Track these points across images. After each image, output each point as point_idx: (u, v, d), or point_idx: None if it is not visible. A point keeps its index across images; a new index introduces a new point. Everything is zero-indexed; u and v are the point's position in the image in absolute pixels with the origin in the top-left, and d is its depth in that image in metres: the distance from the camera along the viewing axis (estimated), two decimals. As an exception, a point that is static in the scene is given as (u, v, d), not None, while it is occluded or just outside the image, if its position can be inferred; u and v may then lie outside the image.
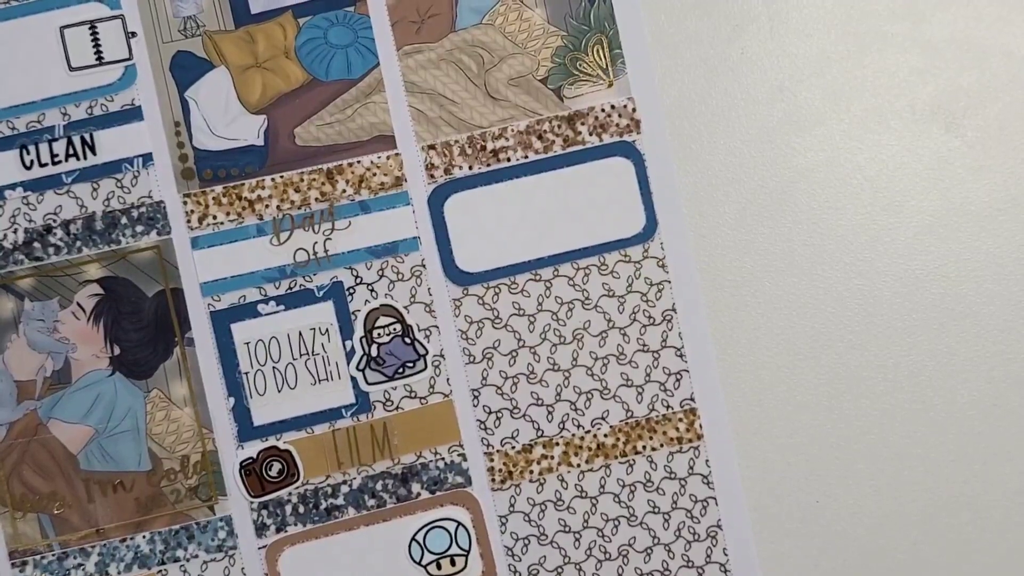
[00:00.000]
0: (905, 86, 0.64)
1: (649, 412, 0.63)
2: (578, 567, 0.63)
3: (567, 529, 0.63)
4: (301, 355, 0.62)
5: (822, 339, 0.64)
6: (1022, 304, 0.64)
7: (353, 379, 0.63)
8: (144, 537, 0.62)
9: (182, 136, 0.63)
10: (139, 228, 0.62)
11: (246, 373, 0.62)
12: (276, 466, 0.62)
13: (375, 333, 0.63)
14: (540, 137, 0.63)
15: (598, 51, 0.64)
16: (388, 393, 0.63)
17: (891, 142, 0.64)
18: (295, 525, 0.63)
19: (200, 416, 0.62)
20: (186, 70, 0.63)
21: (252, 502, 0.62)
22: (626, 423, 0.63)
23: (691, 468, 0.63)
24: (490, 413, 0.63)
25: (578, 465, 0.63)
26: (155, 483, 0.62)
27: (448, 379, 0.63)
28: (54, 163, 0.62)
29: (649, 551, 0.63)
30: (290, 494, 0.63)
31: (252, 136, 0.63)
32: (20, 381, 0.62)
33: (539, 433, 0.63)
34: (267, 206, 0.62)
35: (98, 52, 0.62)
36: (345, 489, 0.63)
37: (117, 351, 0.62)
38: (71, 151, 0.62)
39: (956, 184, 0.64)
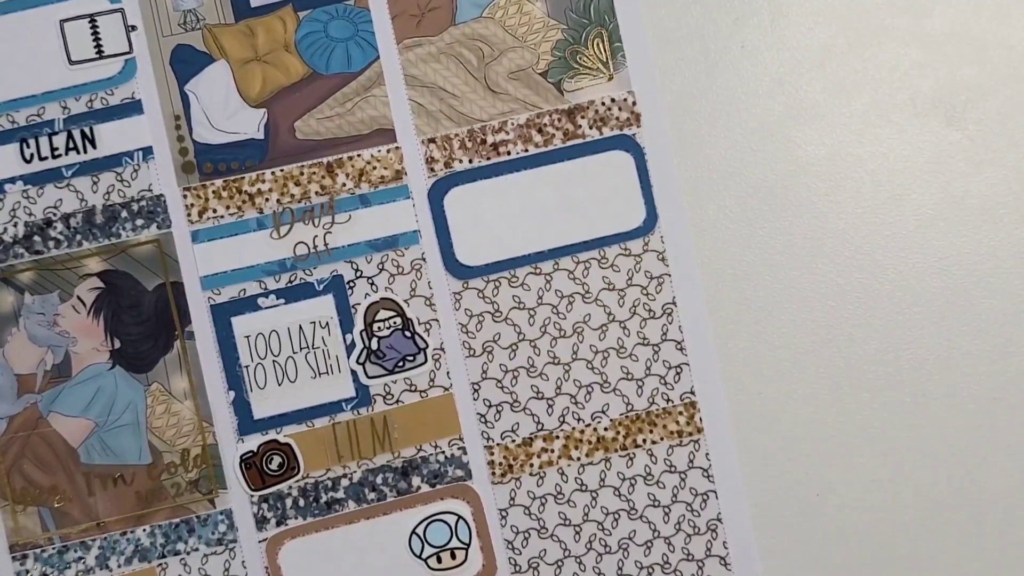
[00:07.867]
0: (906, 80, 0.64)
1: (649, 405, 0.63)
2: (578, 560, 0.63)
3: (567, 522, 0.63)
4: (301, 349, 0.62)
5: (822, 333, 0.64)
6: (1022, 298, 0.64)
7: (353, 373, 0.63)
8: (144, 530, 0.62)
9: (182, 130, 0.63)
10: (139, 222, 0.62)
11: (246, 367, 0.62)
12: (276, 459, 0.62)
13: (375, 327, 0.63)
14: (540, 131, 0.63)
15: (598, 44, 0.64)
16: (388, 387, 0.63)
17: (892, 135, 0.64)
18: (295, 518, 0.63)
19: (200, 409, 0.62)
20: (186, 64, 0.63)
21: (252, 495, 0.62)
22: (626, 416, 0.63)
23: (691, 461, 0.63)
24: (490, 407, 0.63)
25: (578, 459, 0.63)
26: (155, 476, 0.62)
27: (448, 373, 0.63)
28: (54, 157, 0.62)
29: (649, 544, 0.63)
30: (290, 487, 0.63)
31: (252, 130, 0.63)
32: (20, 375, 0.62)
33: (539, 427, 0.63)
34: (267, 200, 0.62)
35: (98, 46, 0.62)
36: (345, 483, 0.63)
37: (117, 345, 0.62)
38: (71, 145, 0.62)
39: (957, 177, 0.64)
